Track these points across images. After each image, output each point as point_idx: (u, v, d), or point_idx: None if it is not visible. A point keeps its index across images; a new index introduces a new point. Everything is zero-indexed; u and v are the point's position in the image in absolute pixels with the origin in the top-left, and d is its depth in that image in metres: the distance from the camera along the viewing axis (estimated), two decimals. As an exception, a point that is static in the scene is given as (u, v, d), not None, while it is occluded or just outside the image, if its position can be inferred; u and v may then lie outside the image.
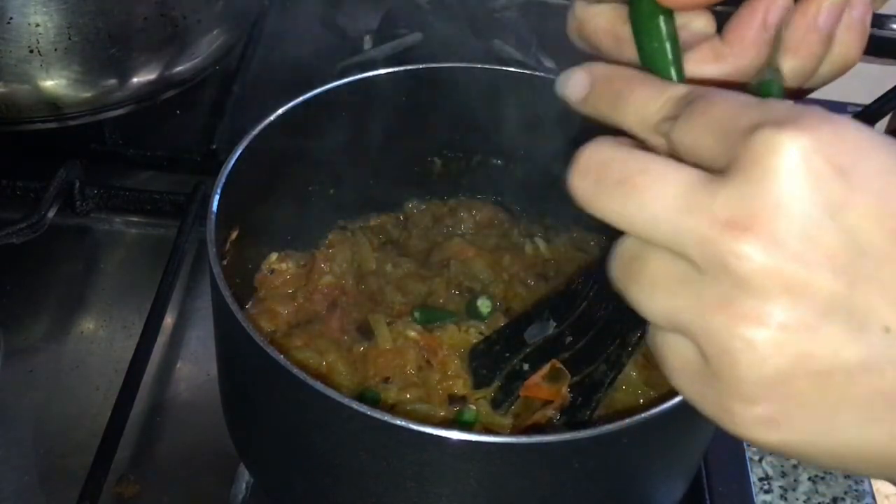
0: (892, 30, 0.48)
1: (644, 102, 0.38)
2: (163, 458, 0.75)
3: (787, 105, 0.34)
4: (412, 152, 0.78)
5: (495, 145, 0.78)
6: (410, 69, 0.73)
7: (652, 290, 0.36)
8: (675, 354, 0.36)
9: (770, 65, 0.38)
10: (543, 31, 1.11)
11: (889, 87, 0.55)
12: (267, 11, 1.17)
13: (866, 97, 0.56)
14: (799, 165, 0.32)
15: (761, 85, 0.39)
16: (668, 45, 0.43)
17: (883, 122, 0.58)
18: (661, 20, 0.43)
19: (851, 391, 0.33)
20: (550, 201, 0.79)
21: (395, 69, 0.73)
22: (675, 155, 0.36)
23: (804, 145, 0.32)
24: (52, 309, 0.87)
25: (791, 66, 0.43)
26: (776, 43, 0.38)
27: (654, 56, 0.43)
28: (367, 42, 1.11)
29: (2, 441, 0.75)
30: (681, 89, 0.38)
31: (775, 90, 0.39)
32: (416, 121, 0.75)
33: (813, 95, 0.48)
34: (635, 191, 0.35)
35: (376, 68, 0.73)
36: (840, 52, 0.44)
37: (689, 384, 0.36)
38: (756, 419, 0.34)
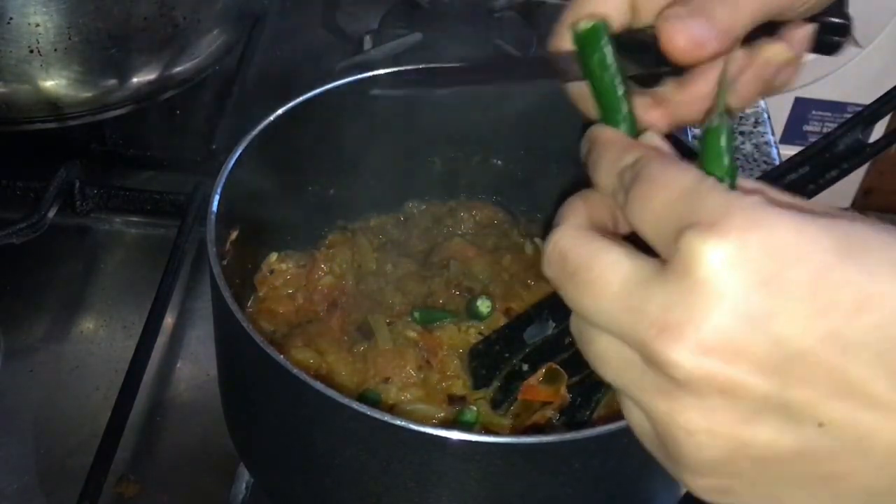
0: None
1: (607, 170, 0.39)
2: (163, 458, 0.75)
3: (721, 200, 0.34)
4: (412, 152, 0.78)
5: (495, 145, 0.78)
6: (410, 69, 0.73)
7: (602, 364, 0.37)
8: (634, 419, 0.38)
9: (717, 109, 0.38)
10: (543, 31, 1.11)
11: (889, 87, 0.55)
12: (267, 11, 1.17)
13: (866, 97, 0.56)
14: (721, 277, 0.32)
15: (707, 132, 0.38)
16: (615, 79, 0.44)
17: (883, 122, 0.58)
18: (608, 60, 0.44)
19: (789, 474, 0.34)
20: (550, 201, 0.79)
21: (395, 69, 0.73)
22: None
23: (727, 255, 0.32)
24: (52, 309, 0.86)
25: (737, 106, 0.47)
26: (721, 87, 0.38)
27: (605, 92, 0.44)
28: (367, 42, 1.11)
29: (2, 441, 0.75)
30: (631, 156, 0.38)
31: (724, 135, 0.38)
32: (416, 121, 0.75)
33: (815, 96, 0.48)
34: (583, 285, 0.36)
35: (376, 68, 0.73)
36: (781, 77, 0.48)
37: (645, 443, 0.38)
38: (705, 488, 0.36)
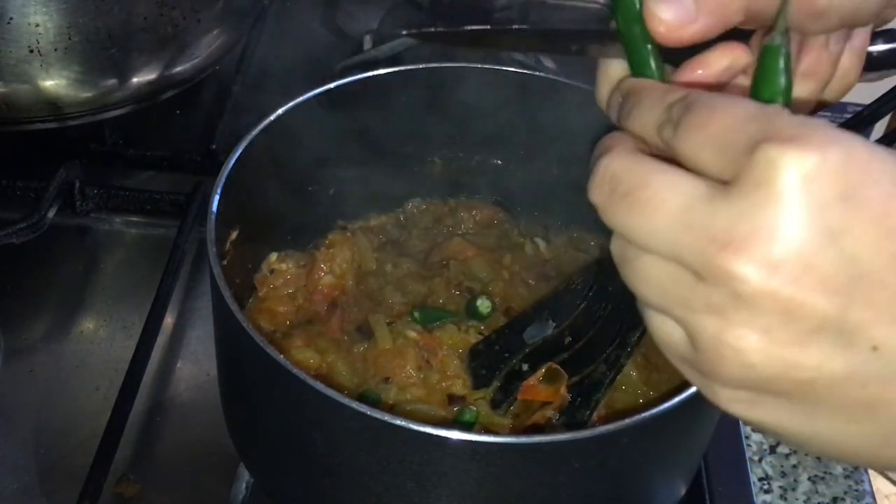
0: (878, 46, 0.51)
1: (651, 107, 0.39)
2: (163, 458, 0.75)
3: (795, 119, 0.34)
4: (412, 152, 0.78)
5: (495, 145, 0.78)
6: (410, 69, 0.73)
7: (643, 283, 0.37)
8: (664, 333, 0.38)
9: (777, 28, 0.37)
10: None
11: (889, 87, 0.55)
12: (267, 11, 1.17)
13: (866, 97, 0.56)
14: (801, 188, 0.32)
15: (765, 50, 0.37)
16: (649, 48, 0.43)
17: (883, 122, 0.58)
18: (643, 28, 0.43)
19: (832, 398, 0.34)
20: (550, 201, 0.79)
21: (395, 69, 0.73)
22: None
23: (809, 167, 0.32)
24: (52, 309, 0.87)
25: (804, 89, 0.45)
26: (783, 5, 0.37)
27: (636, 45, 0.44)
28: (367, 42, 1.11)
29: (2, 441, 0.75)
30: (679, 93, 0.38)
31: (782, 55, 0.37)
32: (416, 121, 0.75)
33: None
34: (638, 205, 0.36)
35: (376, 68, 0.73)
36: (842, 74, 0.47)
37: (675, 358, 0.38)
38: (735, 399, 0.36)
